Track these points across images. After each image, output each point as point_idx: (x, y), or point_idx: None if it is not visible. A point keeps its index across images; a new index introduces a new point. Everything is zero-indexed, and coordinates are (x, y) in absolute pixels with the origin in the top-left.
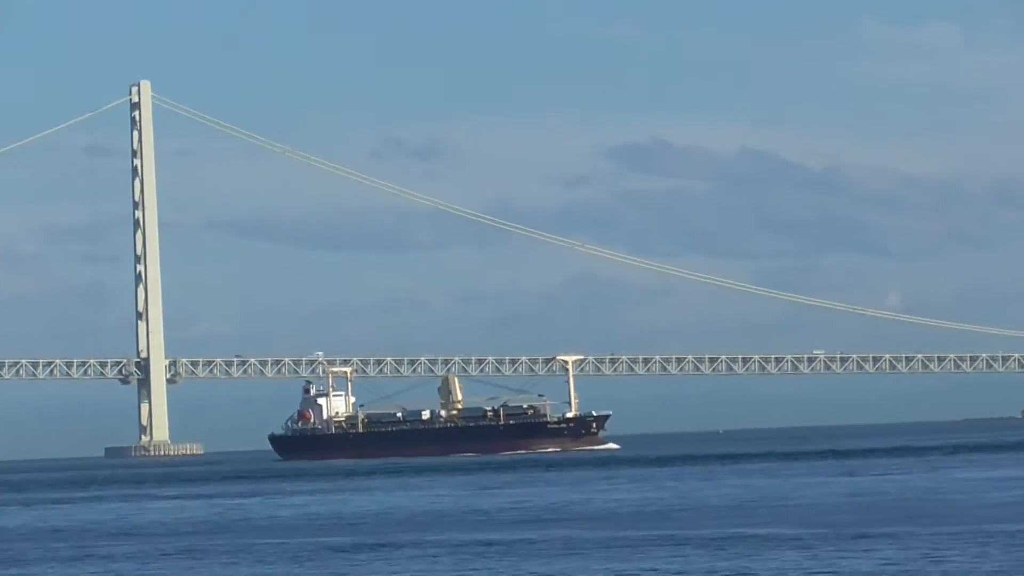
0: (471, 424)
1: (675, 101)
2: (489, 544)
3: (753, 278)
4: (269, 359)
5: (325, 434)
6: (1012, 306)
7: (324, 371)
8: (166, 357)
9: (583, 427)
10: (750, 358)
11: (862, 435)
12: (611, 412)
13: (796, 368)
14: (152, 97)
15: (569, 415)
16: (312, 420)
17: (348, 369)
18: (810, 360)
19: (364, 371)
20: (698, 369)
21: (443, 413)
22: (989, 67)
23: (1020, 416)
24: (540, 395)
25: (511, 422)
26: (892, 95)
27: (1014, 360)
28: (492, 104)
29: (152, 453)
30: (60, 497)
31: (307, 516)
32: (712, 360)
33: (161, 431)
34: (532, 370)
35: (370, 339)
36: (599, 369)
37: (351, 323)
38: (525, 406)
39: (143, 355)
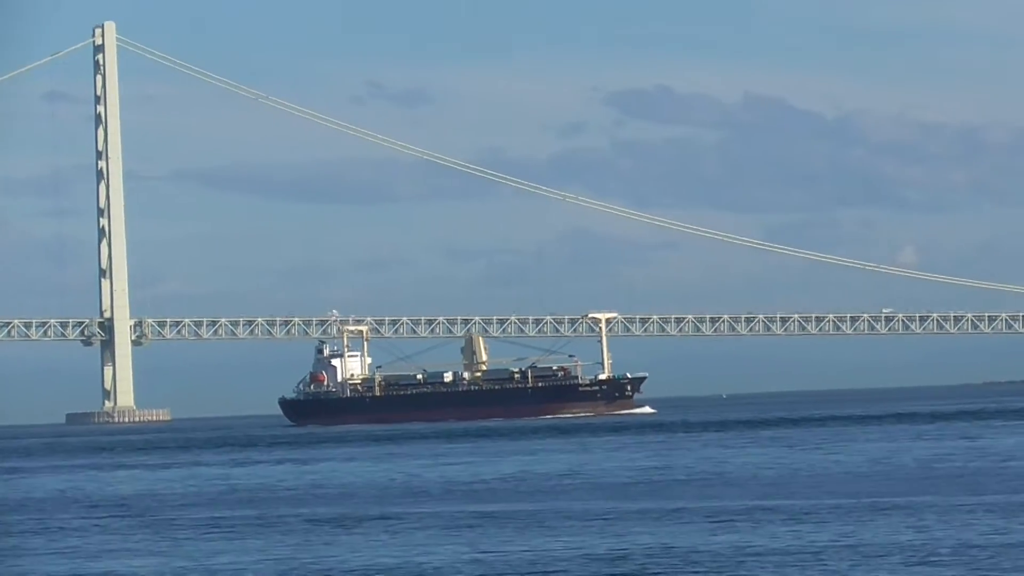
0: (496, 387)
1: (678, 44)
2: None
3: (761, 233)
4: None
5: (340, 398)
6: None
7: (339, 330)
8: (131, 317)
9: (617, 390)
10: (754, 318)
11: (883, 399)
12: (647, 374)
13: (804, 328)
14: (116, 39)
15: (602, 377)
16: (326, 383)
17: (364, 328)
18: (818, 320)
19: (379, 331)
20: (699, 330)
21: (466, 375)
22: (1013, 9)
23: None
24: (571, 355)
25: (539, 384)
26: (908, 37)
27: None
28: (481, 46)
29: (116, 419)
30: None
31: None
32: (714, 320)
33: (126, 396)
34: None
35: (350, 298)
36: (593, 329)
37: (330, 281)
38: (554, 367)
39: (107, 315)
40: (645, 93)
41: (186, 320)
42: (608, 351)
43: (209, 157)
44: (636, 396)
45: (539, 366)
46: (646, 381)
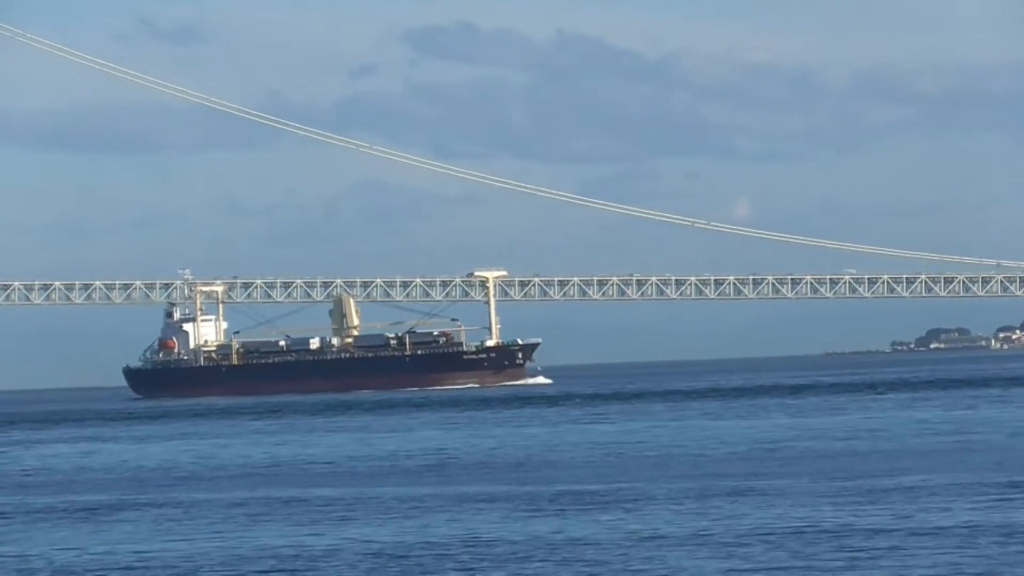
0: (370, 355)
1: None
2: None
3: (575, 186)
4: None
5: (192, 367)
6: (879, 218)
7: (190, 292)
8: None
9: (507, 358)
10: (568, 281)
11: (715, 372)
12: (541, 340)
13: (623, 292)
14: None
15: (490, 343)
16: (176, 350)
17: (220, 288)
18: (640, 283)
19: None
20: (506, 294)
21: (336, 341)
22: None
23: (890, 350)
24: (453, 319)
25: (419, 352)
26: None
27: (883, 283)
28: None
29: None
30: None
31: None
32: (524, 284)
33: None
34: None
35: (119, 258)
36: (389, 294)
37: (96, 239)
38: (435, 332)
39: None
40: (444, 30)
41: None
42: (496, 315)
43: None
44: (528, 365)
45: (418, 331)
46: (539, 348)
